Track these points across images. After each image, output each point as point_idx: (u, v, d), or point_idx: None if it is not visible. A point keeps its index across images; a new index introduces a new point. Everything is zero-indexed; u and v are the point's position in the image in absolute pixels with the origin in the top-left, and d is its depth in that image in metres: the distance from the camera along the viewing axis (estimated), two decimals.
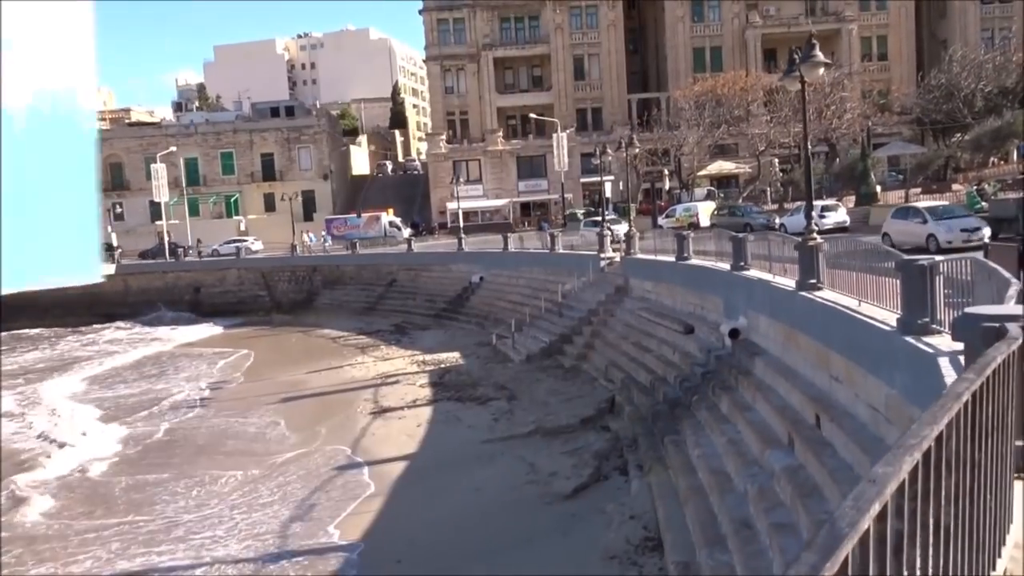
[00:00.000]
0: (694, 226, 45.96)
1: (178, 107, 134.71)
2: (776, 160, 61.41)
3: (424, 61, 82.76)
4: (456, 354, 31.82)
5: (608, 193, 60.29)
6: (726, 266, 19.68)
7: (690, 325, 21.14)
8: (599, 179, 49.04)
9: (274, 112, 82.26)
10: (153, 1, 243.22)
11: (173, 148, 71.49)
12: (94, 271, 1.97)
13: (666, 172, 63.10)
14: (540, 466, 17.27)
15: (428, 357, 31.96)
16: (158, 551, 15.09)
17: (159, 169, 64.45)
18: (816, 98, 48.43)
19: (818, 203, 33.32)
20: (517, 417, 21.50)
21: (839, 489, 9.36)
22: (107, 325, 52.85)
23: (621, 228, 37.16)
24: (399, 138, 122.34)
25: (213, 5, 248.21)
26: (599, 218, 49.62)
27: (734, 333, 17.69)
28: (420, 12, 76.53)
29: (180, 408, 28.33)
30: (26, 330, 52.62)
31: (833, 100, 54.89)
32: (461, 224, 48.15)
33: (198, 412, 27.49)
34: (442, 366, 29.89)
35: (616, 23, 74.69)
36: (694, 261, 23.03)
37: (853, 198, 46.11)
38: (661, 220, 48.19)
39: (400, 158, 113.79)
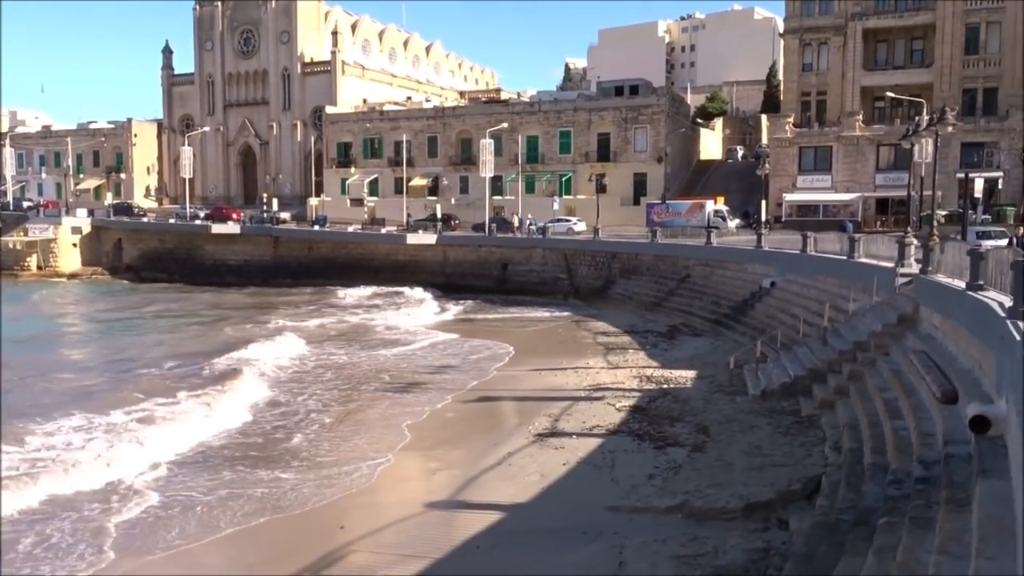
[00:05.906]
0: None
1: (561, 90, 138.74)
2: None
3: (781, 35, 74.28)
4: (693, 373, 26.24)
5: (978, 192, 48.56)
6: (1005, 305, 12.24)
7: (952, 390, 13.77)
8: (977, 175, 38.77)
9: (618, 91, 79.55)
10: None
11: (504, 124, 72.37)
12: None
13: None
14: (633, 573, 11.94)
15: (660, 372, 26.77)
16: None
17: (486, 145, 65.42)
18: None
19: None
20: (678, 479, 15.92)
21: None
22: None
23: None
24: (765, 122, 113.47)
25: None
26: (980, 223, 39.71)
27: (979, 423, 10.59)
28: None
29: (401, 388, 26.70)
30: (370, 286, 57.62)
31: None
32: (763, 217, 41.25)
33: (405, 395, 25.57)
34: (664, 387, 24.59)
35: None
36: (991, 294, 15.23)
37: None
38: None
39: (764, 143, 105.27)
